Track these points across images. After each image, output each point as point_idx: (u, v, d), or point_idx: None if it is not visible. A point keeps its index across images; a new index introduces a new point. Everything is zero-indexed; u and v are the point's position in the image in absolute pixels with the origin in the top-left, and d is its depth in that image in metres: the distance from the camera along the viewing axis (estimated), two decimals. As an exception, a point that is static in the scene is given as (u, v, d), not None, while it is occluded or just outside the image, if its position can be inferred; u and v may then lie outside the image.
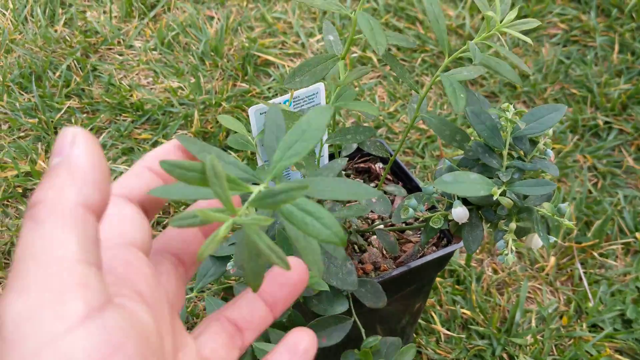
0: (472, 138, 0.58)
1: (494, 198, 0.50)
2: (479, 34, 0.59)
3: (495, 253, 1.03)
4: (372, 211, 0.80)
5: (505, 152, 0.54)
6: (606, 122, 1.27)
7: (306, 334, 0.30)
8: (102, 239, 0.24)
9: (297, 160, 0.30)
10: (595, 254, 1.05)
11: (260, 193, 0.28)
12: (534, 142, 0.57)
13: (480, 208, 0.57)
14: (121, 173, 1.14)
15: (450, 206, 0.57)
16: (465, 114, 0.55)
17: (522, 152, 0.56)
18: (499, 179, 0.52)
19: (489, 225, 0.58)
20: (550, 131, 0.56)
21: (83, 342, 0.19)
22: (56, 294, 0.20)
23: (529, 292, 1.00)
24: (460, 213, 0.55)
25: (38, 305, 0.19)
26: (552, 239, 0.54)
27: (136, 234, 0.27)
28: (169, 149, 0.30)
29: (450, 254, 0.74)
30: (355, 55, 1.38)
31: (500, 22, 0.58)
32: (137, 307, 0.23)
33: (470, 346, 0.93)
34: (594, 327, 0.97)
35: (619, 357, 0.93)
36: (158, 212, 0.30)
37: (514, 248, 0.52)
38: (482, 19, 1.46)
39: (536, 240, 0.56)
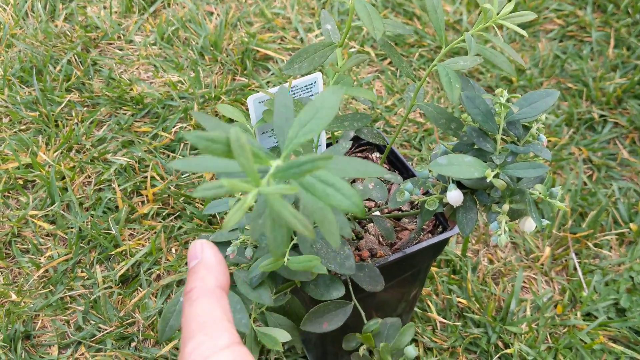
0: (467, 124, 0.60)
1: (488, 180, 0.51)
2: (476, 25, 0.60)
3: (489, 234, 1.04)
4: (369, 199, 0.82)
5: (499, 137, 0.56)
6: (601, 116, 1.28)
7: None
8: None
9: (312, 137, 0.31)
10: (589, 244, 1.06)
11: (284, 164, 0.29)
12: (527, 128, 0.58)
13: (475, 192, 0.58)
14: (121, 165, 1.15)
15: (445, 190, 0.58)
16: (460, 101, 0.57)
17: (515, 137, 0.57)
18: (493, 162, 0.54)
19: (483, 209, 0.59)
20: (544, 116, 0.58)
21: (228, 356, 0.32)
22: (211, 336, 0.33)
23: (524, 282, 1.02)
24: (455, 196, 0.56)
25: (201, 342, 0.32)
26: (545, 221, 0.55)
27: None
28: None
29: (445, 240, 0.75)
30: (353, 50, 1.39)
31: (497, 14, 0.59)
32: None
33: (466, 334, 0.95)
34: (588, 316, 0.98)
35: (613, 345, 0.94)
36: None
37: (507, 229, 0.53)
38: (479, 14, 1.47)
39: (529, 223, 0.57)
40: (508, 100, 0.55)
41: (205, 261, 0.36)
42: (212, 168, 0.30)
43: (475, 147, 0.58)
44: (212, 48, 1.38)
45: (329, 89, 0.34)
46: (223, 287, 0.35)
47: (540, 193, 0.53)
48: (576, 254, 1.05)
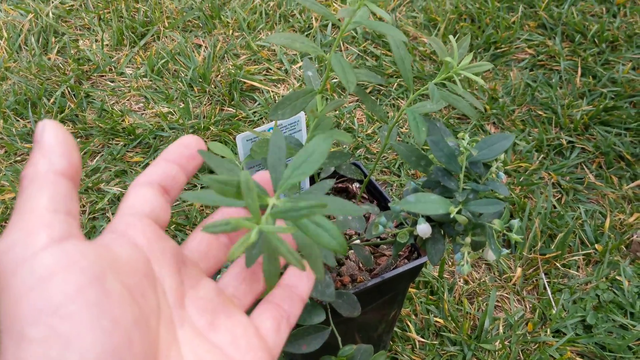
0: (435, 163, 0.66)
1: (451, 216, 0.58)
2: (439, 75, 0.66)
3: (454, 263, 1.11)
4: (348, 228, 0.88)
5: (461, 176, 0.62)
6: (569, 142, 1.36)
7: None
8: (120, 211, 0.32)
9: (303, 178, 0.35)
10: (558, 264, 1.13)
11: (283, 207, 0.33)
12: (488, 166, 0.65)
13: (442, 224, 0.65)
14: (114, 194, 1.21)
15: (415, 223, 0.64)
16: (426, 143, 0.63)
17: (477, 175, 0.64)
18: (456, 199, 0.60)
19: (450, 240, 0.66)
20: (502, 156, 0.64)
21: (45, 260, 0.25)
22: (26, 233, 0.26)
23: (497, 301, 1.08)
24: (423, 229, 0.62)
25: (14, 241, 0.26)
26: (504, 251, 0.62)
27: (149, 208, 0.33)
28: (187, 143, 0.35)
29: (420, 265, 0.81)
30: (335, 80, 1.46)
31: (458, 64, 0.65)
32: (119, 246, 0.30)
33: (443, 352, 1.01)
34: (557, 333, 1.05)
35: (580, 359, 1.01)
36: (179, 191, 0.35)
37: (469, 259, 0.60)
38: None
39: (490, 253, 0.63)
40: (469, 144, 0.62)
41: (41, 143, 0.29)
42: (218, 202, 0.33)
43: (442, 184, 0.65)
44: (200, 80, 1.45)
45: (320, 137, 0.38)
46: (62, 171, 0.29)
47: (498, 227, 0.60)
48: (546, 274, 1.12)
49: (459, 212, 0.59)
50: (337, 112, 1.39)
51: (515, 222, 0.62)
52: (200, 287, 0.33)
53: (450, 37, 0.61)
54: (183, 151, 0.35)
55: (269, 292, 0.36)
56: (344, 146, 1.31)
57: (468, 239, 0.60)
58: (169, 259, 0.32)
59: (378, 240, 0.85)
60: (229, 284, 0.36)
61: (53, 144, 0.29)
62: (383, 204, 0.89)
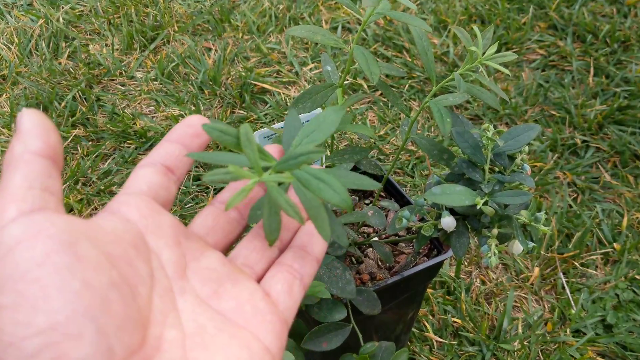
0: (457, 156, 0.65)
1: (478, 207, 0.57)
2: (463, 65, 0.66)
3: (480, 256, 1.10)
4: (368, 225, 0.87)
5: (486, 167, 0.61)
6: (584, 141, 1.35)
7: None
8: (122, 190, 0.32)
9: (313, 146, 0.34)
10: (576, 264, 1.11)
11: (283, 158, 0.32)
12: (512, 158, 0.64)
13: (466, 218, 0.64)
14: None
15: (439, 216, 0.63)
16: (451, 135, 0.62)
17: (502, 167, 0.63)
18: (482, 190, 0.59)
19: (474, 233, 0.65)
20: (527, 148, 0.63)
21: (13, 230, 0.25)
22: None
23: (515, 301, 1.07)
24: (448, 222, 0.61)
25: None
26: (531, 243, 0.61)
27: (147, 186, 0.33)
28: (190, 123, 0.35)
29: (440, 263, 0.80)
30: (346, 82, 1.46)
31: (483, 54, 0.65)
32: (105, 220, 0.30)
33: (462, 352, 0.99)
34: (577, 333, 1.03)
35: (601, 359, 0.99)
36: (186, 171, 0.35)
37: (496, 251, 0.59)
38: (464, 46, 1.55)
39: (517, 246, 0.62)
40: (499, 133, 0.61)
41: (19, 129, 0.29)
42: (221, 161, 0.33)
43: (466, 176, 0.64)
44: (211, 82, 1.44)
45: (331, 108, 0.38)
46: (36, 151, 0.29)
47: (525, 218, 0.59)
48: (564, 274, 1.11)
49: (485, 204, 0.58)
50: (350, 112, 1.38)
51: (541, 215, 0.61)
52: (204, 258, 0.33)
53: (474, 26, 0.61)
54: (186, 130, 0.35)
55: (272, 245, 0.35)
56: (359, 143, 1.30)
57: (495, 231, 0.59)
58: (166, 232, 0.32)
59: (397, 237, 0.84)
60: (239, 253, 0.36)
61: (29, 128, 0.29)
62: (400, 202, 0.88)
